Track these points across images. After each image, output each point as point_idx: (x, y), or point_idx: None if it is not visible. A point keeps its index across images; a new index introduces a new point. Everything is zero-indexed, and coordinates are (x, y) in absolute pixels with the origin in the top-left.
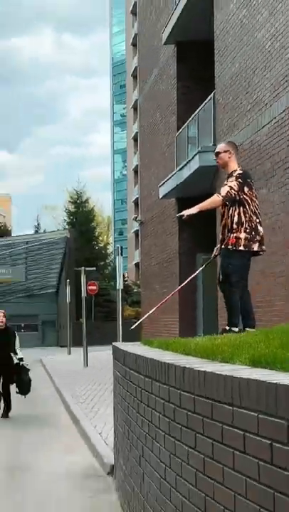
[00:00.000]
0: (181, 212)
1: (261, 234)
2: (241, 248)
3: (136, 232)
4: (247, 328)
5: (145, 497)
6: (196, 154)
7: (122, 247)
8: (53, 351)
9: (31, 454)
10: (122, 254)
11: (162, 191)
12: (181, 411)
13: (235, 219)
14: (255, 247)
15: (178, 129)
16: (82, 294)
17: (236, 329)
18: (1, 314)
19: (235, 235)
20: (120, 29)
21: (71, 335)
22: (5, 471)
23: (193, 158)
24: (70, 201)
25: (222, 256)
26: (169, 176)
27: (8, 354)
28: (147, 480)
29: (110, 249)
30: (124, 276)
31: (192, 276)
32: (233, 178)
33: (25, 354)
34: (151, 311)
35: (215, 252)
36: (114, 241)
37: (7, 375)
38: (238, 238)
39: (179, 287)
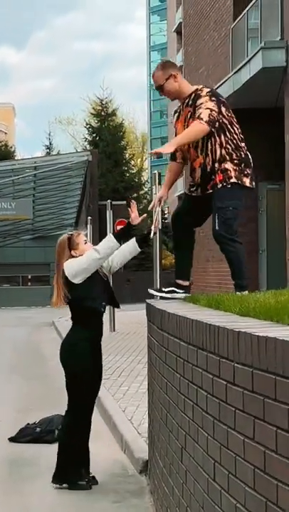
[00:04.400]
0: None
1: (252, 166)
2: (233, 180)
3: None
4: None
5: (188, 502)
6: (258, 51)
7: (160, 174)
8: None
9: (43, 446)
10: (160, 184)
11: None
12: (236, 389)
13: (218, 153)
14: (247, 181)
15: (235, 19)
16: None
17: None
18: None
19: (221, 168)
20: None
21: None
22: (10, 464)
23: (254, 56)
24: (92, 113)
25: (215, 200)
26: (223, 79)
27: None
28: (191, 480)
29: (146, 176)
30: (163, 212)
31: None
32: (207, 98)
33: (32, 315)
34: None
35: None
36: (151, 166)
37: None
38: (225, 170)
39: None
